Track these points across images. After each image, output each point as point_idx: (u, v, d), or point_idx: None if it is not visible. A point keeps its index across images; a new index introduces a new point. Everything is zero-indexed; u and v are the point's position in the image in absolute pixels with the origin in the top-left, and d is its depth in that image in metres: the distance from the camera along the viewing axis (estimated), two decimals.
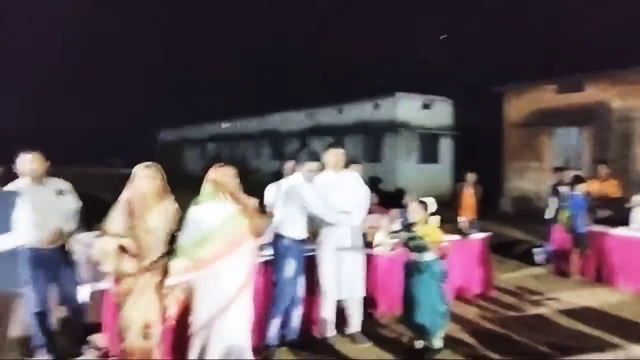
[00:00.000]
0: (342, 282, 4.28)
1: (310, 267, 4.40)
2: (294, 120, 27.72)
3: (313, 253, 4.47)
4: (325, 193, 4.27)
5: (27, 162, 3.74)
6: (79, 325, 3.99)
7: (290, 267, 4.05)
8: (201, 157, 36.75)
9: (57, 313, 4.33)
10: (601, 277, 6.85)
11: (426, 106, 21.83)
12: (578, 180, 7.14)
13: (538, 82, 15.44)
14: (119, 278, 3.27)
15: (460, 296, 5.90)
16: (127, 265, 3.25)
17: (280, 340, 4.19)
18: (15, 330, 4.22)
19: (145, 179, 3.31)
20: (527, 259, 8.20)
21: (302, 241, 4.18)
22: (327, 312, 4.40)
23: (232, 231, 3.35)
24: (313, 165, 4.20)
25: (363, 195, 4.51)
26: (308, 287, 4.44)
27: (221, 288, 3.32)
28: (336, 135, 23.19)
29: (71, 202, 3.98)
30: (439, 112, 22.06)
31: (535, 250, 8.24)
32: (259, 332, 4.02)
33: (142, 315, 3.25)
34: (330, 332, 4.43)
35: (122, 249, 3.22)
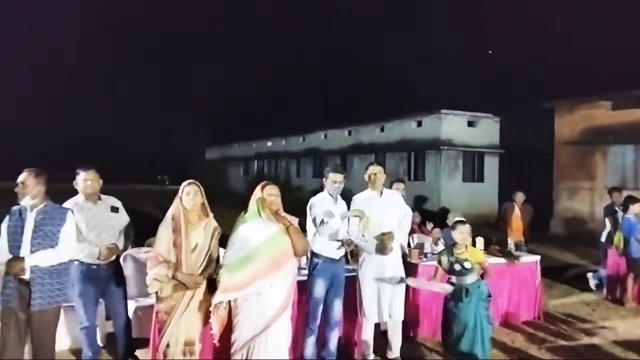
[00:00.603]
0: (383, 304, 4.21)
1: (350, 288, 4.36)
2: (336, 138, 27.89)
3: (353, 274, 4.43)
4: (366, 212, 4.24)
5: (83, 180, 3.93)
6: (126, 341, 4.10)
7: (319, 286, 4.03)
8: (245, 174, 37.50)
9: (105, 328, 4.50)
10: None
11: (471, 124, 21.42)
12: (631, 201, 6.75)
13: (591, 98, 14.81)
14: (163, 296, 3.34)
15: (507, 322, 5.66)
16: (171, 284, 3.30)
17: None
18: (65, 342, 4.42)
19: (187, 195, 3.39)
20: (579, 284, 7.80)
21: (337, 261, 4.13)
22: (366, 334, 4.33)
23: (276, 250, 3.38)
24: (337, 177, 4.17)
25: (404, 214, 4.44)
26: (348, 309, 4.39)
27: (264, 307, 3.34)
28: (377, 153, 23.12)
29: (123, 219, 4.14)
30: (485, 130, 21.57)
31: (589, 274, 7.83)
32: (296, 352, 4.00)
33: (184, 332, 3.30)
34: (369, 355, 4.34)
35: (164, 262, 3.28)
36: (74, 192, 4.00)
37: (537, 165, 17.07)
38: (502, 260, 5.74)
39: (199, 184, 3.50)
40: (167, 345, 3.26)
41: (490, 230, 8.25)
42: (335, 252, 4.07)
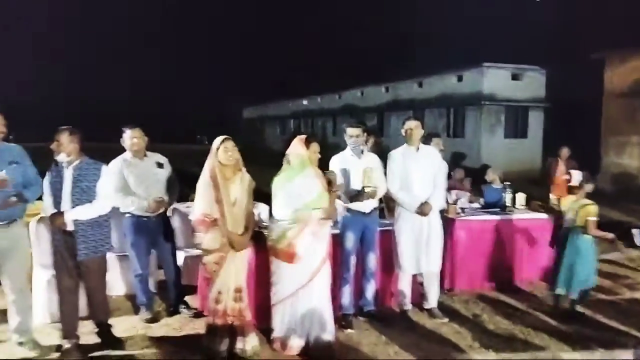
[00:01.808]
0: (419, 256, 4.28)
1: (387, 241, 4.45)
2: (373, 95, 27.44)
3: (389, 227, 4.51)
4: (403, 167, 4.26)
5: (129, 137, 4.13)
6: (176, 288, 4.38)
7: (350, 239, 4.14)
8: (281, 133, 37.70)
9: (157, 276, 4.81)
10: None
11: (515, 77, 20.52)
12: None
13: None
14: (212, 250, 3.50)
15: (547, 278, 5.63)
16: (219, 239, 3.45)
17: (357, 311, 4.31)
18: (121, 289, 4.77)
19: (224, 151, 3.47)
20: (625, 241, 7.58)
21: (368, 214, 4.20)
22: (403, 285, 4.44)
23: (323, 206, 3.51)
24: (354, 131, 4.17)
25: (440, 170, 4.42)
26: (385, 261, 4.50)
27: (309, 261, 3.51)
28: (416, 109, 22.66)
29: (169, 174, 4.33)
30: (530, 83, 20.65)
31: (634, 230, 7.61)
32: (334, 301, 4.17)
33: (234, 280, 3.50)
34: (407, 305, 4.47)
35: (214, 222, 3.42)
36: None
37: (585, 119, 16.30)
38: (544, 215, 5.65)
39: (231, 139, 3.57)
40: (219, 292, 3.46)
41: (534, 187, 8.07)
42: (364, 205, 4.13)
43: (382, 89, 26.80)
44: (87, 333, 3.75)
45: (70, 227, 3.44)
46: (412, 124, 4.33)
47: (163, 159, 4.33)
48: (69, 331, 3.57)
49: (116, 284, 4.70)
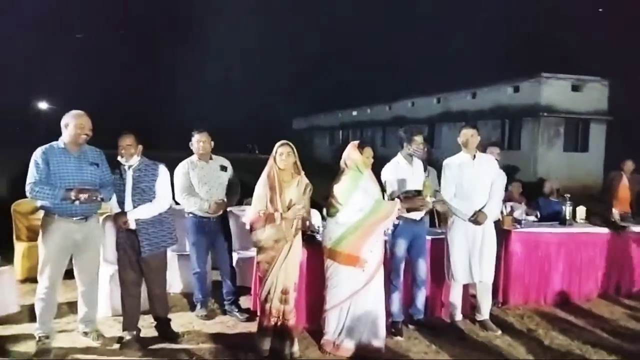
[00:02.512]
0: (472, 266, 4.21)
1: (439, 250, 4.40)
2: (424, 106, 27.14)
3: (439, 236, 4.48)
4: (458, 175, 4.23)
5: (197, 141, 4.34)
6: (231, 287, 4.52)
7: (401, 246, 4.13)
8: (330, 144, 37.93)
9: (212, 275, 4.98)
10: None
11: (576, 88, 19.69)
12: None
13: None
14: (264, 248, 3.61)
15: (606, 295, 5.37)
16: (271, 236, 3.57)
17: (407, 319, 4.28)
18: (179, 286, 4.98)
19: (280, 156, 3.59)
20: None
21: (418, 222, 4.19)
22: (454, 296, 4.37)
23: (379, 212, 3.62)
24: (420, 138, 4.19)
25: (497, 180, 4.34)
26: (437, 271, 4.45)
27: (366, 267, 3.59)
28: (468, 121, 22.17)
29: (231, 177, 4.52)
30: (591, 95, 19.73)
31: None
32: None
33: (282, 281, 3.58)
34: (458, 316, 4.39)
35: (270, 218, 3.52)
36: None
37: None
38: (605, 230, 5.40)
39: (291, 144, 3.68)
40: (268, 292, 3.56)
41: (593, 202, 7.70)
42: (415, 213, 4.12)
43: (434, 99, 26.45)
44: (147, 327, 3.95)
45: (132, 226, 3.65)
46: (469, 131, 4.29)
47: (226, 163, 4.52)
48: (130, 324, 3.77)
49: (174, 281, 4.91)
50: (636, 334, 4.40)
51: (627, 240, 5.53)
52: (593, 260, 5.34)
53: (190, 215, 4.32)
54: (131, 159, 3.69)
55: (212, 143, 4.42)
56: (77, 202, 3.43)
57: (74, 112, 3.58)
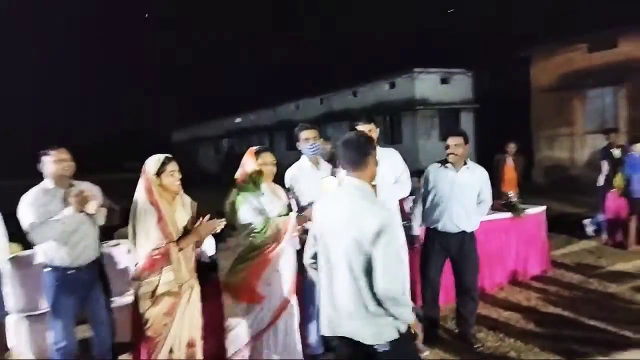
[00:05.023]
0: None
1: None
2: (309, 107, 27.15)
3: None
4: None
5: (52, 161, 3.17)
6: (108, 347, 3.50)
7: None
8: (216, 153, 36.49)
9: (82, 332, 3.89)
10: None
11: (444, 81, 21.01)
12: (636, 140, 6.47)
13: (567, 42, 14.42)
14: (159, 297, 2.77)
15: (515, 280, 5.34)
16: (170, 278, 2.75)
17: (326, 349, 3.66)
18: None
19: (170, 175, 2.80)
20: (575, 232, 7.57)
21: None
22: None
23: (269, 233, 2.89)
24: (310, 133, 3.59)
25: (402, 173, 3.89)
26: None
27: (270, 297, 2.91)
28: (352, 119, 22.50)
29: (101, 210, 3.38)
30: (459, 86, 21.22)
31: (585, 221, 7.62)
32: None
33: (187, 333, 2.82)
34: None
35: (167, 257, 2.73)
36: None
37: (514, 117, 16.82)
38: (508, 214, 5.37)
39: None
40: (170, 350, 2.73)
41: None
42: None
43: (317, 100, 26.57)
44: None
45: None
46: (367, 127, 3.77)
47: (95, 189, 3.41)
48: None
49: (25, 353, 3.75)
50: (557, 318, 4.33)
51: (526, 222, 5.57)
52: (500, 247, 5.28)
53: (49, 269, 3.16)
54: None
55: (73, 164, 3.27)
56: None
57: None
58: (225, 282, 2.90)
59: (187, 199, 2.96)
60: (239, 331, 2.87)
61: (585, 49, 14.06)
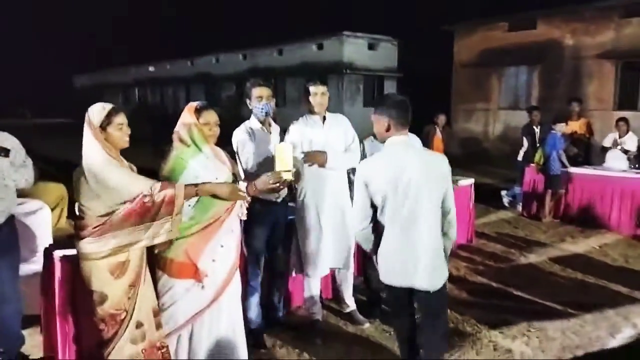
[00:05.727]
0: (328, 252, 3.45)
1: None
2: (230, 62, 25.89)
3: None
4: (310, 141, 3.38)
5: None
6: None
7: (257, 237, 3.22)
8: (125, 104, 33.82)
9: None
10: (575, 219, 6.69)
11: (371, 47, 21.00)
12: (557, 119, 6.78)
13: (490, 20, 14.96)
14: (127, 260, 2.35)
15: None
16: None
17: (266, 322, 3.41)
18: None
19: (119, 129, 2.37)
20: (491, 202, 7.93)
21: (279, 203, 3.29)
22: (312, 289, 3.56)
23: (213, 204, 2.51)
24: (263, 91, 3.19)
25: (353, 140, 3.64)
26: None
27: (213, 273, 2.54)
28: (277, 78, 21.88)
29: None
30: (384, 53, 21.35)
31: (502, 192, 8.00)
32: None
33: (152, 300, 2.48)
34: (318, 314, 3.60)
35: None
36: None
37: (436, 89, 17.33)
38: None
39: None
40: (139, 325, 2.38)
41: None
42: (273, 194, 3.13)
43: (240, 56, 25.39)
44: None
45: None
46: (318, 88, 3.41)
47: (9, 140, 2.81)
48: None
49: None
50: (487, 288, 4.44)
51: (457, 193, 5.62)
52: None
53: None
54: None
55: None
56: None
57: None
58: (160, 257, 2.47)
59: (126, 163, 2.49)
60: (174, 310, 2.48)
61: (506, 27, 14.64)
